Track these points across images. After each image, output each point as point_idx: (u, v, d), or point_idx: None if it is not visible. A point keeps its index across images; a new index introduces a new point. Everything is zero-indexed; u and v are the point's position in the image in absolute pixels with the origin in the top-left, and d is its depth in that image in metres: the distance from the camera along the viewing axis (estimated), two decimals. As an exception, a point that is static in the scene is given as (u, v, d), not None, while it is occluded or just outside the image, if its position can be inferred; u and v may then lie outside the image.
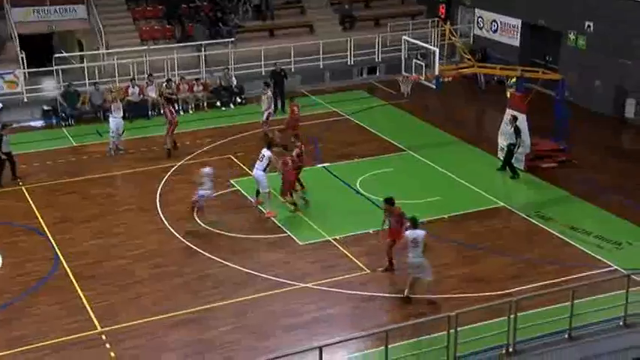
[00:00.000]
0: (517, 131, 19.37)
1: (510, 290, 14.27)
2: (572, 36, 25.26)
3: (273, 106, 23.09)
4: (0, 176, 19.46)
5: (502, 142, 20.54)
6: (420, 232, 13.92)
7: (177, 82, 24.96)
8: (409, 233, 13.93)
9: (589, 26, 24.59)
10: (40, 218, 17.71)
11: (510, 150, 19.59)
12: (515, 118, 19.48)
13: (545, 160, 20.32)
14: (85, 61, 25.92)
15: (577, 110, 23.64)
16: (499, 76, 24.83)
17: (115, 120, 21.33)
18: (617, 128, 23.60)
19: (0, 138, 19.40)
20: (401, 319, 13.26)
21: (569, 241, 16.45)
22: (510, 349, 11.72)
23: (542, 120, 20.87)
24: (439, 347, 11.51)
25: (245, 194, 18.75)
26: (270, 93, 22.82)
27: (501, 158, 20.55)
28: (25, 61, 24.99)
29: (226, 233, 16.87)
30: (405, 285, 14.22)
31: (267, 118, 22.22)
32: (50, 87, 25.31)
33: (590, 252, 15.98)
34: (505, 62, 24.23)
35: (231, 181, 19.44)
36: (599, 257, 15.74)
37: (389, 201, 15.06)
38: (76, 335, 13.36)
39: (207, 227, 17.02)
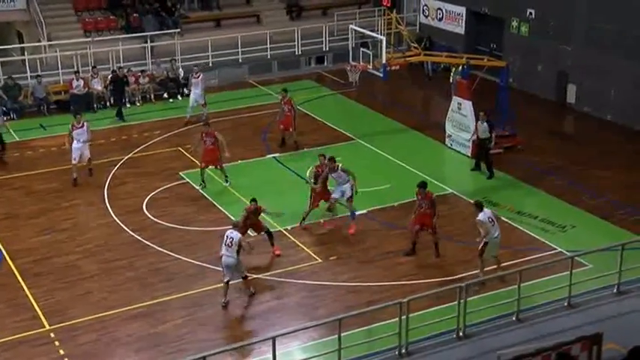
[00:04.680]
0: (491, 126, 18.99)
1: (460, 275, 14.53)
2: (514, 23, 25.71)
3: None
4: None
5: (450, 128, 20.83)
6: (488, 211, 14.40)
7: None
8: (482, 216, 14.19)
9: (531, 13, 25.06)
10: (-17, 215, 17.31)
11: (486, 147, 19.05)
12: (486, 114, 19.02)
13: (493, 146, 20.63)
14: (25, 53, 25.29)
15: (520, 96, 24.14)
16: (446, 64, 25.15)
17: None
18: (559, 113, 24.15)
19: None
20: (353, 307, 13.37)
21: (516, 225, 16.80)
22: (461, 333, 11.94)
23: (488, 106, 21.18)
24: (391, 334, 11.66)
25: (194, 186, 18.62)
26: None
27: (449, 145, 20.85)
28: (-39, 53, 24.31)
29: (177, 226, 16.73)
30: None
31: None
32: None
33: (536, 235, 16.36)
34: (451, 50, 24.56)
35: (181, 174, 19.27)
36: (545, 240, 16.13)
37: (423, 185, 15.35)
38: (24, 334, 13.12)
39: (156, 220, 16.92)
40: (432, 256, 15.53)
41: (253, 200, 15.37)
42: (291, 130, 20.71)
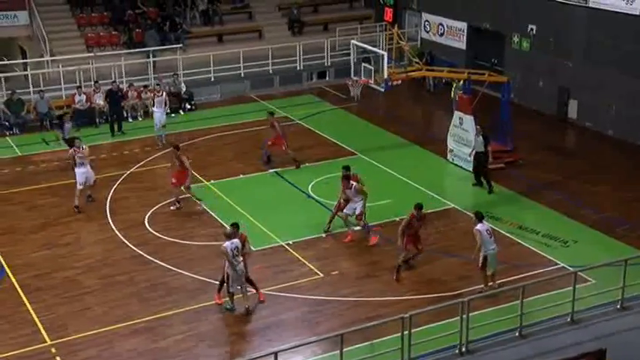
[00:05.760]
0: (486, 140, 19.14)
1: (462, 290, 14.47)
2: (515, 39, 25.80)
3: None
4: None
5: (451, 143, 20.85)
6: (486, 224, 14.45)
7: (125, 89, 24.60)
8: (481, 227, 14.20)
9: (532, 29, 25.16)
10: (-16, 230, 17.30)
11: (481, 161, 19.21)
12: (482, 128, 19.26)
13: (493, 161, 20.65)
14: (28, 68, 25.39)
15: (522, 111, 24.19)
16: (447, 79, 25.22)
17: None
18: (560, 128, 24.16)
19: (62, 125, 21.15)
20: (355, 323, 13.32)
21: (518, 240, 16.76)
22: (463, 349, 11.89)
23: (489, 122, 21.23)
24: (393, 349, 11.60)
25: (197, 201, 18.60)
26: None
27: (451, 160, 20.84)
28: (-35, 68, 24.40)
29: (179, 241, 16.72)
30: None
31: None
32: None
33: (538, 250, 16.32)
34: (452, 65, 24.63)
35: (183, 189, 19.24)
36: (547, 255, 16.08)
37: (420, 206, 15.26)
38: (25, 349, 13.06)
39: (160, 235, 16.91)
40: (431, 271, 15.46)
41: (233, 225, 14.34)
42: (284, 148, 20.51)
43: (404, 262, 15.28)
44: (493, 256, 14.37)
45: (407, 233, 15.11)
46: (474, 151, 19.42)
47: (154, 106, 22.34)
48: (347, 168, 16.94)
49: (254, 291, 14.41)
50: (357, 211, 16.43)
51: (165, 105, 22.47)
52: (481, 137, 19.12)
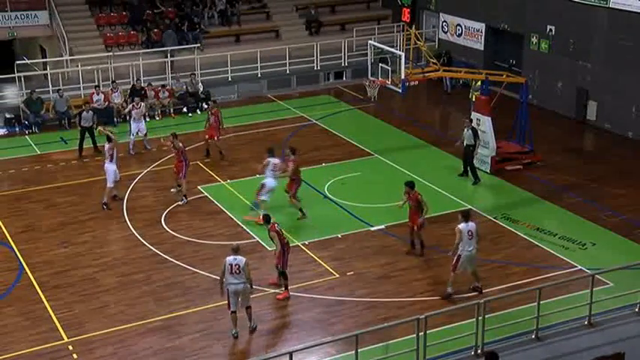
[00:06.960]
0: (475, 133, 19.37)
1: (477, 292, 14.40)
2: (534, 39, 25.64)
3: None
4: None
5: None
6: (472, 224, 14.18)
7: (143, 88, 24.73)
8: (462, 226, 14.04)
9: (551, 30, 24.98)
10: (3, 228, 17.43)
11: (471, 153, 19.45)
12: (471, 121, 19.58)
13: (511, 162, 20.57)
14: (48, 67, 25.59)
15: (540, 112, 24.03)
16: (464, 80, 25.11)
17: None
18: (579, 130, 23.98)
19: (80, 114, 21.48)
20: (370, 323, 13.30)
21: (535, 242, 16.66)
22: (479, 351, 11.82)
23: (507, 122, 21.14)
24: (409, 350, 11.57)
25: (213, 200, 18.67)
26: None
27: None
28: (-15, 68, 24.63)
29: (195, 240, 16.78)
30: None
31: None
32: (12, 94, 24.93)
33: (555, 253, 16.21)
34: (470, 66, 24.53)
35: (199, 188, 19.34)
36: (565, 258, 15.97)
37: (410, 184, 15.87)
38: (42, 346, 13.17)
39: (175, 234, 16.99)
40: (446, 273, 15.32)
41: (265, 216, 14.84)
42: (216, 139, 20.93)
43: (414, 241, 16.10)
44: (469, 258, 14.18)
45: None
46: (458, 143, 19.90)
47: (131, 118, 21.81)
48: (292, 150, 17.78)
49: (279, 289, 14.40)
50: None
51: (145, 117, 22.53)
52: (470, 131, 19.31)
